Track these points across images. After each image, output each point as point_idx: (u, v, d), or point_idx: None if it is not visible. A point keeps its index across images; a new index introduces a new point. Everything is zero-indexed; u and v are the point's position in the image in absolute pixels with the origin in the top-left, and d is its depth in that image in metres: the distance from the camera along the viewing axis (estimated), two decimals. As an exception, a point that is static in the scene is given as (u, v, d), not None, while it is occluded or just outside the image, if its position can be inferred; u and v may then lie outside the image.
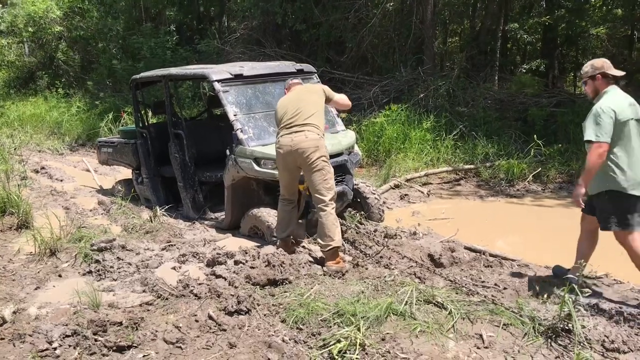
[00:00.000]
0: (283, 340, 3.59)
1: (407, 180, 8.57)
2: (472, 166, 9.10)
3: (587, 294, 3.92)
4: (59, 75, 19.43)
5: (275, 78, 6.71)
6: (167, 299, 4.31)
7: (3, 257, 5.45)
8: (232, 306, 3.98)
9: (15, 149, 11.86)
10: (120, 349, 3.53)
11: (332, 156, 5.88)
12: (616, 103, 4.16)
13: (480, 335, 3.70)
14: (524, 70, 17.48)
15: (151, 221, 6.46)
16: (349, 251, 5.50)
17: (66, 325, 3.76)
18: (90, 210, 7.36)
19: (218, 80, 6.25)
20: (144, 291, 4.52)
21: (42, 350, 3.46)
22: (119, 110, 13.19)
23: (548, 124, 10.27)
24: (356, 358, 3.35)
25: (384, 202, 7.23)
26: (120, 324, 3.81)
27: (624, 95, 4.29)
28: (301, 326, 3.80)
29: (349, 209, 6.52)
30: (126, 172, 8.82)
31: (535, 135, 8.76)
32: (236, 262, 4.83)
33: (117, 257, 5.17)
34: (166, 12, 19.70)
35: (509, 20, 18.30)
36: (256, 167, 5.86)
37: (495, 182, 8.72)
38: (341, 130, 6.76)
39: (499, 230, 6.68)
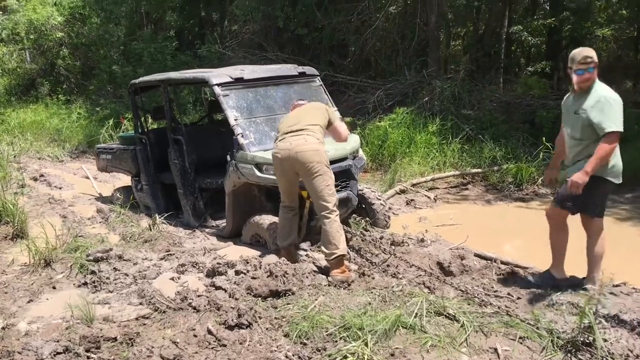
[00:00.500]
0: (286, 357, 3.39)
1: (413, 185, 8.37)
2: (479, 170, 8.88)
3: (606, 305, 3.73)
4: (60, 81, 19.29)
5: (276, 81, 6.53)
6: (164, 312, 4.11)
7: (-4, 269, 5.27)
8: (232, 320, 3.78)
9: (14, 157, 11.71)
10: (114, 367, 3.34)
11: (336, 161, 5.70)
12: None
13: (495, 350, 3.49)
14: (529, 73, 17.30)
15: (150, 229, 6.27)
16: (354, 259, 5.29)
17: (57, 341, 3.57)
18: (89, 219, 7.17)
19: (218, 84, 6.06)
20: (140, 304, 4.33)
21: (31, 369, 3.27)
22: (120, 116, 13.03)
23: (556, 126, 10.01)
24: (364, 376, 3.15)
25: (390, 208, 7.02)
26: (115, 339, 3.61)
27: None
28: (305, 341, 3.59)
29: (354, 215, 6.32)
30: (125, 179, 8.64)
31: (544, 138, 8.54)
32: (237, 272, 4.62)
33: (114, 268, 4.97)
34: (166, 17, 19.58)
35: (513, 23, 18.15)
36: (257, 173, 5.67)
37: (504, 186, 8.51)
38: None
39: (508, 235, 6.47)
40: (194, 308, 4.06)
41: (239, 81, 6.21)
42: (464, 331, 3.66)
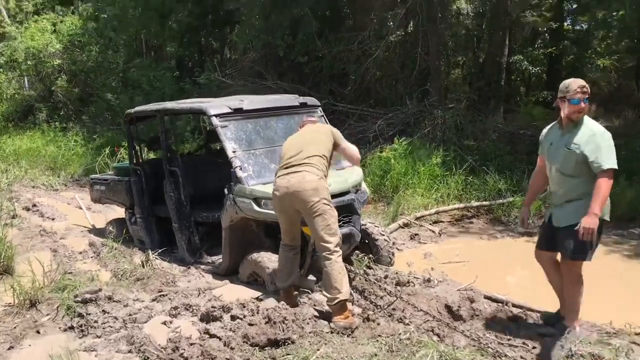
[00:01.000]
0: (286, 418, 3.09)
1: (417, 219, 8.10)
2: (485, 203, 8.62)
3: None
4: (57, 108, 19.14)
5: (276, 112, 6.32)
6: (154, 362, 3.81)
7: (-22, 310, 4.97)
8: (227, 373, 3.49)
9: (8, 185, 11.45)
10: None
11: (337, 195, 5.45)
12: None
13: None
14: (531, 102, 17.21)
15: (143, 266, 5.98)
16: (357, 301, 5.01)
17: (36, 398, 3.27)
18: (80, 253, 6.88)
19: (216, 115, 5.85)
20: (129, 351, 4.03)
21: None
22: (117, 144, 12.82)
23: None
24: None
25: (394, 243, 6.74)
26: (99, 395, 3.31)
27: None
28: (307, 398, 3.30)
29: (357, 251, 6.04)
30: (120, 211, 8.36)
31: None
32: (233, 317, 4.33)
33: (103, 310, 4.66)
34: (166, 47, 19.52)
35: (514, 52, 18.12)
36: (256, 208, 5.42)
37: (510, 220, 8.26)
38: (347, 167, 6.31)
39: (516, 273, 6.21)
40: (186, 359, 3.76)
41: (238, 112, 5.99)
42: (479, 388, 3.37)
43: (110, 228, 7.62)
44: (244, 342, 3.95)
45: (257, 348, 3.90)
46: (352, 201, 5.73)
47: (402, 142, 10.10)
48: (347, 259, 5.45)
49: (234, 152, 5.69)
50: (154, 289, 5.39)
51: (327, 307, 4.59)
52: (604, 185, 3.91)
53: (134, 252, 6.85)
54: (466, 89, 17.58)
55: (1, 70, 19.71)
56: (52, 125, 17.50)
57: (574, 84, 4.02)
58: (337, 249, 4.44)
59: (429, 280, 5.53)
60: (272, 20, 12.90)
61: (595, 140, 3.97)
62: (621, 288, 5.76)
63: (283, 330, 4.06)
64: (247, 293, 5.35)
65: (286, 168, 4.63)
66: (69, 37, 19.31)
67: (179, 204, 6.49)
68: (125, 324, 4.51)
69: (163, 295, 5.14)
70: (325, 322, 4.38)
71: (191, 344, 3.94)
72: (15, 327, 4.58)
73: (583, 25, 19.80)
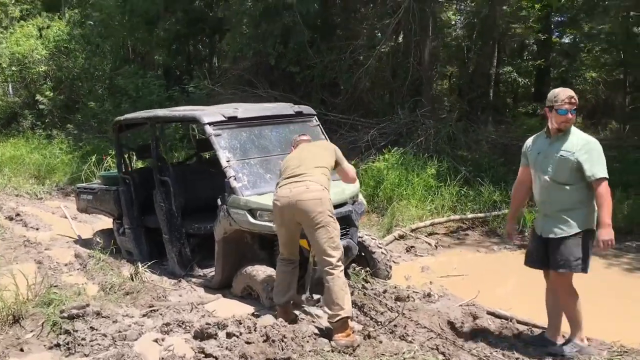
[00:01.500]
0: None
1: (413, 231, 7.95)
2: (480, 215, 8.51)
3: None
4: (42, 115, 18.79)
5: (272, 121, 6.15)
6: (146, 384, 3.60)
7: (-42, 326, 4.70)
8: (225, 396, 3.28)
9: (-10, 194, 11.16)
10: None
11: (335, 206, 5.26)
12: None
13: None
14: (520, 113, 17.22)
15: (132, 280, 5.75)
16: (357, 317, 4.82)
17: None
18: (66, 265, 6.63)
19: (210, 123, 5.66)
20: (119, 372, 3.81)
21: None
22: (103, 153, 12.56)
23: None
24: None
25: (390, 257, 6.57)
26: (88, 421, 3.09)
27: None
28: (310, 423, 3.11)
29: (353, 264, 5.87)
30: (106, 221, 8.12)
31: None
32: (229, 335, 4.12)
33: (91, 327, 4.43)
34: (154, 55, 19.29)
35: (502, 64, 18.15)
36: (251, 220, 5.23)
37: (505, 232, 8.13)
38: None
39: (517, 288, 6.06)
40: (181, 381, 3.56)
41: (232, 120, 5.82)
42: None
43: (97, 239, 7.36)
44: (241, 362, 3.75)
45: (255, 368, 3.70)
46: (349, 213, 5.57)
47: (395, 153, 9.98)
48: (344, 273, 5.27)
49: (227, 161, 5.51)
50: (144, 303, 5.16)
51: (327, 324, 4.41)
52: (605, 193, 3.87)
53: (122, 264, 6.63)
54: (453, 99, 17.58)
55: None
56: (36, 133, 17.16)
57: (562, 94, 3.97)
58: (340, 263, 4.27)
59: (429, 295, 5.37)
60: (263, 28, 12.74)
61: (589, 148, 3.94)
62: (623, 302, 5.64)
63: (282, 349, 3.87)
64: (241, 308, 5.17)
65: (288, 178, 4.46)
66: (55, 43, 19.01)
67: (169, 214, 6.28)
68: (114, 341, 4.27)
69: (154, 310, 4.92)
70: (326, 340, 4.19)
71: (185, 364, 3.73)
72: (-3, 345, 4.34)
73: (570, 38, 19.92)
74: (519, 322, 4.75)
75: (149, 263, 6.15)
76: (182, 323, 4.53)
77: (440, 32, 14.62)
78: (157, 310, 4.90)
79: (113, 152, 12.09)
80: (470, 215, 8.51)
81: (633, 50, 15.49)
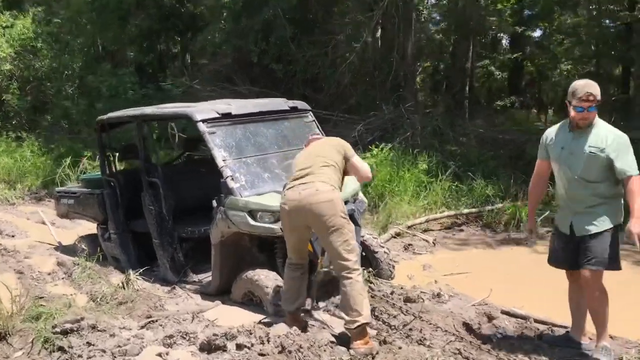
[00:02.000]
0: None
1: (409, 228, 7.76)
2: (475, 210, 8.37)
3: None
4: (9, 117, 18.05)
5: (266, 117, 5.88)
6: (156, 404, 3.31)
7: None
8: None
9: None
10: None
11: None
12: None
13: None
14: (499, 107, 17.28)
15: (124, 288, 5.42)
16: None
17: None
18: (49, 274, 6.25)
19: (203, 120, 5.36)
20: (124, 391, 3.51)
21: None
22: (78, 154, 12.05)
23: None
24: None
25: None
26: None
27: None
28: None
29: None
30: (89, 226, 7.72)
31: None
32: (239, 347, 3.84)
33: (87, 342, 4.09)
34: (126, 52, 18.72)
35: (479, 58, 18.19)
36: (251, 222, 4.95)
37: (500, 228, 8.03)
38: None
39: (525, 285, 5.85)
40: (196, 400, 3.28)
41: (226, 117, 5.52)
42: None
43: (82, 245, 6.97)
44: (258, 376, 3.48)
45: (274, 383, 3.44)
46: (352, 212, 5.29)
47: (383, 149, 9.78)
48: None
49: (224, 160, 5.23)
50: (140, 314, 4.83)
51: (340, 330, 4.18)
52: (637, 189, 3.65)
53: (110, 271, 6.28)
54: (433, 94, 17.54)
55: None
56: (4, 135, 16.47)
57: (580, 89, 3.71)
58: (357, 266, 4.02)
59: (439, 295, 5.17)
60: (243, 23, 12.40)
61: (619, 144, 3.74)
62: None
63: (300, 360, 3.61)
64: (244, 315, 4.90)
65: (295, 180, 4.20)
66: (20, 41, 18.26)
67: (160, 218, 5.94)
68: (114, 357, 3.95)
69: (153, 321, 4.60)
70: (344, 349, 3.95)
71: (198, 381, 3.45)
72: (-17, 366, 3.99)
73: (541, 31, 20.01)
74: (536, 321, 4.57)
75: (140, 270, 5.82)
76: (186, 334, 4.22)
77: (423, 25, 14.48)
78: (156, 321, 4.58)
79: (89, 154, 11.69)
80: (465, 211, 8.35)
81: (603, 42, 15.57)
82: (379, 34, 13.94)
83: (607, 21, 15.95)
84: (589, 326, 4.06)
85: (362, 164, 4.53)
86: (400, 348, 4.01)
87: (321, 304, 4.92)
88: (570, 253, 3.90)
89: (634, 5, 13.45)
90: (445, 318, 4.62)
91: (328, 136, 5.16)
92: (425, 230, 7.98)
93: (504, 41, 21.24)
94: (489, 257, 6.99)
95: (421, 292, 5.25)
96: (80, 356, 3.95)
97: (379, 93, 12.58)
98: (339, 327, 4.34)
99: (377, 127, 11.20)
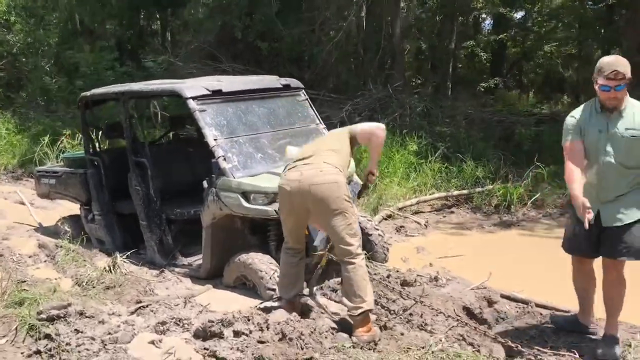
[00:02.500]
0: None
1: (400, 209, 7.64)
2: (466, 192, 8.28)
3: None
4: (-18, 94, 17.48)
5: (258, 95, 5.67)
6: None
7: None
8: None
9: None
10: None
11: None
12: None
13: None
14: (482, 89, 17.18)
15: (110, 272, 5.21)
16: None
17: None
18: (30, 257, 5.98)
19: (193, 98, 5.14)
20: (116, 381, 3.34)
21: None
22: (56, 133, 11.68)
23: (536, 144, 9.65)
24: None
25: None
26: None
27: None
28: None
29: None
30: (69, 206, 7.47)
31: (535, 158, 8.09)
32: (237, 334, 3.68)
33: (75, 329, 3.89)
34: (105, 27, 18.17)
35: (464, 38, 18.01)
36: (244, 203, 4.78)
37: (490, 209, 7.97)
38: None
39: (522, 268, 5.78)
40: (194, 391, 3.12)
41: (216, 94, 5.31)
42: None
43: (64, 227, 6.73)
44: (259, 364, 3.33)
45: (276, 372, 3.29)
46: (348, 193, 5.18)
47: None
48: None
49: (215, 140, 5.02)
50: (130, 299, 4.64)
51: (341, 315, 4.05)
52: None
53: (95, 254, 6.06)
54: (421, 73, 17.35)
55: None
56: (-23, 113, 15.93)
57: (606, 66, 3.44)
58: (360, 251, 3.86)
59: (436, 279, 5.06)
60: (227, -1, 12.07)
61: None
62: None
63: (302, 349, 3.47)
64: (237, 300, 4.76)
65: (298, 160, 4.02)
66: (-8, 15, 17.65)
67: (147, 199, 5.73)
68: (104, 345, 3.76)
69: (143, 306, 4.41)
70: (346, 335, 3.81)
71: (195, 370, 3.29)
72: (-35, 354, 3.77)
73: (524, 12, 19.87)
74: (537, 305, 4.49)
75: (127, 253, 5.62)
76: (179, 321, 4.04)
77: (411, 4, 14.26)
78: (147, 307, 4.40)
79: (68, 132, 11.33)
80: (456, 193, 8.26)
81: (585, 24, 15.50)
82: (363, 13, 13.72)
83: (590, 3, 15.90)
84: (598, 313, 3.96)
85: (370, 125, 4.34)
86: (402, 334, 3.89)
87: (316, 288, 4.78)
88: (594, 241, 3.66)
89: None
90: (445, 302, 4.50)
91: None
92: (415, 212, 7.88)
93: (487, 21, 21.13)
94: (482, 239, 6.92)
95: (418, 275, 5.13)
96: (68, 344, 3.74)
97: (366, 72, 12.37)
98: (337, 311, 4.21)
99: (365, 107, 11.01)
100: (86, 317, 4.09)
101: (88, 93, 6.26)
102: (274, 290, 4.63)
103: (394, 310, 4.37)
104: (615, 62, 3.46)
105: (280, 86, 5.90)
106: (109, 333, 3.88)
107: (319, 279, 4.64)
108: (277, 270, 4.71)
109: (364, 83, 12.09)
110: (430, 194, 8.28)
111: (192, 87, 5.30)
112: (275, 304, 4.33)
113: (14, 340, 3.94)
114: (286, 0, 12.68)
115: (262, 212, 4.75)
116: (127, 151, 5.82)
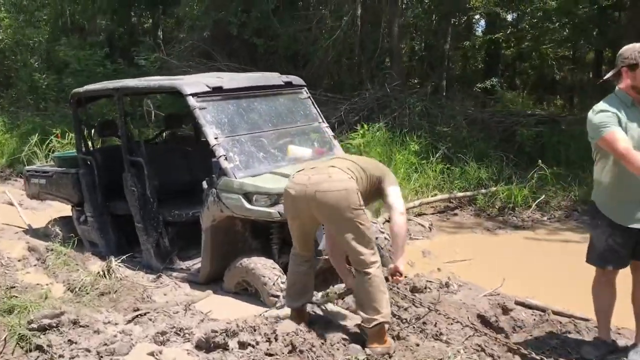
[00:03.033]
0: None
1: (403, 212, 7.42)
2: (470, 193, 8.09)
3: None
4: (-30, 92, 17.15)
5: (260, 92, 5.45)
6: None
7: None
8: None
9: None
10: None
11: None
12: None
13: None
14: (479, 89, 17.03)
15: (105, 277, 4.96)
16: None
17: None
18: (19, 261, 5.72)
19: (193, 94, 4.90)
20: (114, 397, 3.10)
21: None
22: (46, 132, 11.37)
23: (538, 145, 9.48)
24: None
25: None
26: None
27: None
28: None
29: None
30: (60, 207, 7.19)
31: (540, 160, 7.91)
32: (242, 345, 3.44)
33: (69, 340, 3.64)
34: (96, 24, 17.86)
35: (459, 39, 17.86)
36: (247, 205, 4.56)
37: (495, 212, 7.78)
38: (330, 154, 5.50)
39: (534, 273, 5.57)
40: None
41: (217, 91, 5.08)
42: None
43: (55, 229, 6.45)
44: (269, 380, 3.10)
45: (288, 388, 3.06)
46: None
47: (372, 128, 9.41)
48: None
49: (216, 138, 4.80)
50: (126, 306, 4.40)
51: (352, 324, 3.82)
52: None
53: (88, 258, 5.80)
54: (408, 73, 17.14)
55: None
56: (-35, 111, 15.58)
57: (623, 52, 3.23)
58: (375, 258, 3.60)
59: (447, 285, 4.85)
60: (222, -6, 11.81)
61: None
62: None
63: (314, 362, 3.24)
64: (239, 307, 4.53)
65: (308, 164, 3.79)
66: (-20, 11, 17.31)
67: (143, 200, 5.48)
68: (100, 357, 3.51)
69: (141, 314, 4.17)
70: (358, 347, 3.57)
71: (200, 386, 3.05)
72: (-50, 367, 3.52)
73: (516, 14, 19.75)
74: (554, 312, 4.28)
75: (123, 257, 5.36)
76: (180, 330, 3.80)
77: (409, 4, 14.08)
78: (145, 315, 4.16)
79: (58, 131, 11.04)
80: (459, 194, 8.06)
81: (576, 26, 15.36)
82: (359, 12, 13.51)
83: (580, 6, 15.79)
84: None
85: (399, 201, 3.81)
86: (417, 345, 3.67)
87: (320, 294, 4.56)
88: (631, 249, 3.41)
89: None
90: (458, 310, 4.29)
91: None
92: (418, 214, 7.67)
93: (482, 22, 21.02)
94: (489, 242, 6.72)
95: (427, 281, 4.92)
96: (61, 356, 3.50)
97: (364, 71, 12.16)
98: (345, 319, 4.00)
99: (362, 106, 10.79)
100: (80, 326, 3.85)
101: (81, 89, 6.00)
102: (277, 296, 4.42)
103: (405, 319, 4.14)
104: (628, 49, 3.24)
105: (282, 83, 5.69)
106: (105, 344, 3.63)
107: (321, 282, 4.42)
108: (281, 275, 4.51)
109: (360, 82, 11.88)
110: (432, 196, 8.07)
111: (192, 83, 5.08)
112: (282, 312, 4.09)
113: (3, 352, 3.71)
114: (282, -3, 12.49)
115: (265, 214, 4.54)
116: (122, 150, 5.56)
